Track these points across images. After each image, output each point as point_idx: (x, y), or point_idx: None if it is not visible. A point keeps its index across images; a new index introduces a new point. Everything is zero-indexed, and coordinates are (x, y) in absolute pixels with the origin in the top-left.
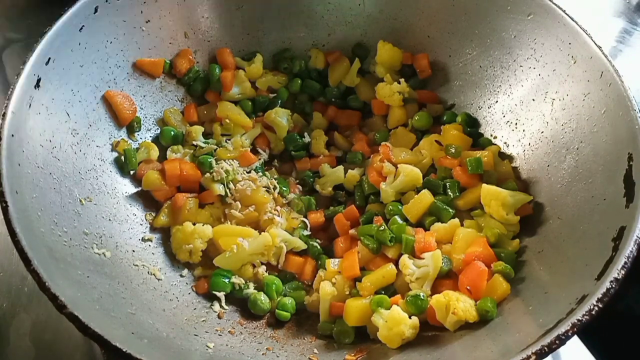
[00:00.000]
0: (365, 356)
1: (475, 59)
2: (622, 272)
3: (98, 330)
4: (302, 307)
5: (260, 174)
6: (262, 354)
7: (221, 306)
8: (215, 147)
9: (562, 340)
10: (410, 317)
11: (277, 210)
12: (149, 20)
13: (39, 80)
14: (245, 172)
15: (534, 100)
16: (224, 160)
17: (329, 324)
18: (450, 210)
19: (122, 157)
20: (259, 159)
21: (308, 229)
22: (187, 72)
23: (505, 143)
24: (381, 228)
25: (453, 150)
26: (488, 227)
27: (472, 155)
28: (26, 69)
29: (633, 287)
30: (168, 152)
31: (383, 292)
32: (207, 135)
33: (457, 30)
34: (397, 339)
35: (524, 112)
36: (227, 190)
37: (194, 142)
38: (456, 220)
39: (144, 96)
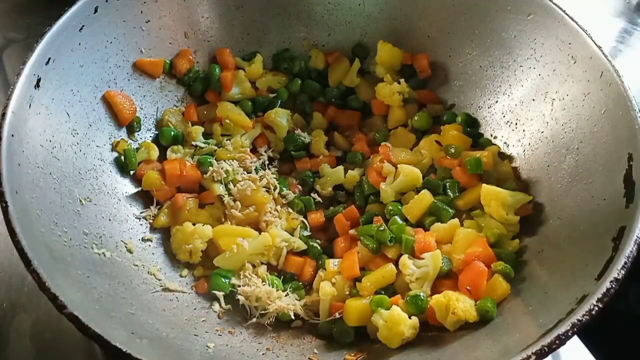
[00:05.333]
0: (365, 356)
1: (475, 59)
2: (622, 272)
3: (98, 330)
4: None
5: (261, 173)
6: (262, 354)
7: (221, 306)
8: (215, 147)
9: (562, 340)
10: (410, 317)
11: (277, 211)
12: (148, 20)
13: (39, 80)
14: (245, 172)
15: (534, 100)
16: (224, 161)
17: (329, 324)
18: (450, 211)
19: (122, 157)
20: (259, 159)
21: (308, 229)
22: (187, 72)
23: (505, 143)
24: (381, 228)
25: (453, 151)
26: (488, 227)
27: (471, 156)
28: (26, 69)
29: (633, 287)
30: (168, 152)
31: (383, 292)
32: (207, 135)
33: (457, 30)
34: (397, 339)
35: (524, 112)
36: (227, 191)
37: (194, 142)
38: (456, 221)
39: (144, 96)
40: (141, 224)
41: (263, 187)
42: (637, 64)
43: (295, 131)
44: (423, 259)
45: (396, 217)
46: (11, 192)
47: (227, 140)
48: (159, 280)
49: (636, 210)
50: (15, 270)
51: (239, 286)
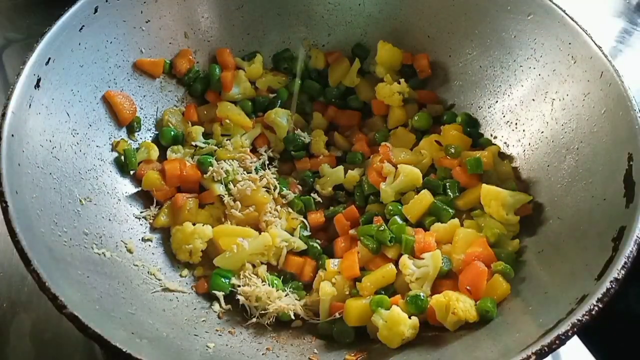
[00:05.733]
0: (365, 356)
1: (475, 59)
2: (622, 272)
3: (98, 330)
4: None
5: (261, 173)
6: (262, 354)
7: (221, 306)
8: (215, 147)
9: (562, 340)
10: (410, 317)
11: (277, 211)
12: (149, 20)
13: (39, 80)
14: (245, 172)
15: (534, 100)
16: (224, 161)
17: (329, 324)
18: (450, 211)
19: (122, 157)
20: (259, 159)
21: (308, 229)
22: (187, 72)
23: (505, 143)
24: (381, 228)
25: (453, 151)
26: (488, 227)
27: (471, 156)
28: (26, 69)
29: (633, 287)
30: (168, 152)
31: (383, 292)
32: (207, 135)
33: (457, 30)
34: (397, 339)
35: (524, 112)
36: (227, 191)
37: (194, 143)
38: (456, 221)
39: (144, 96)
40: (141, 224)
41: (263, 187)
42: (637, 64)
43: (295, 131)
44: (423, 259)
45: (396, 217)
46: (11, 192)
47: (227, 140)
48: (159, 280)
49: (636, 210)
50: (15, 270)
51: (239, 286)
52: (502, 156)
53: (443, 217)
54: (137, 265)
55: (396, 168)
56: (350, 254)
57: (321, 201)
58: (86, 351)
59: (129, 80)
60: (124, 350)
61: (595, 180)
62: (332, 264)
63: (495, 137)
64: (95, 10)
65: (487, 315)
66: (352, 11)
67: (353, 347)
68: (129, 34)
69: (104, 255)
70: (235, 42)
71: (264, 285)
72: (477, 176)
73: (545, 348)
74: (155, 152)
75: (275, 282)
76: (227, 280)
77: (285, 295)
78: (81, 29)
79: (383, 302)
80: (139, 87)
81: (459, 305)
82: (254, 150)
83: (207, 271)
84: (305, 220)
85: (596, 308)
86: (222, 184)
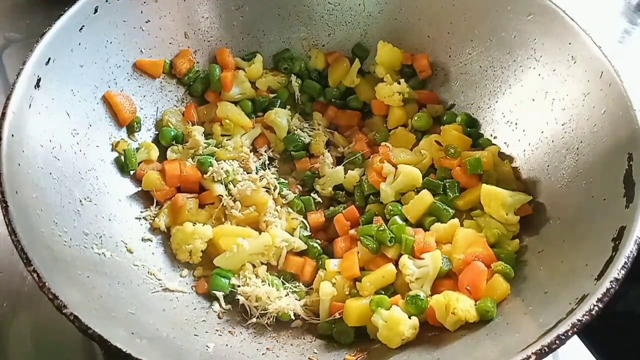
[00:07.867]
0: (365, 356)
1: (475, 59)
2: (622, 272)
3: (98, 330)
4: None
5: (262, 173)
6: (262, 354)
7: (221, 306)
8: (215, 147)
9: (562, 340)
10: (410, 317)
11: (277, 211)
12: (149, 20)
13: (39, 80)
14: (245, 172)
15: (534, 100)
16: (224, 161)
17: (329, 324)
18: (450, 211)
19: (122, 157)
20: (259, 159)
21: (308, 229)
22: (187, 72)
23: (505, 143)
24: (381, 228)
25: (453, 151)
26: (488, 227)
27: (471, 156)
28: (26, 69)
29: (633, 287)
30: (168, 153)
31: (383, 292)
32: (207, 135)
33: (457, 30)
34: (396, 339)
35: (524, 112)
36: (227, 191)
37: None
38: (456, 221)
39: (144, 96)
40: (141, 224)
41: (263, 187)
42: (637, 64)
43: (295, 131)
44: (423, 259)
45: (396, 217)
46: (11, 192)
47: (227, 140)
48: (159, 280)
49: (636, 210)
50: (15, 270)
51: (239, 286)
52: (502, 156)
53: (443, 217)
54: (137, 265)
55: (396, 168)
56: (350, 254)
57: (321, 201)
58: (86, 351)
59: (129, 80)
60: (124, 350)
61: (595, 180)
62: (332, 264)
63: (495, 137)
64: (96, 11)
65: (487, 315)
66: (352, 11)
67: (353, 347)
68: (129, 34)
69: (104, 255)
70: (235, 42)
71: (264, 285)
72: (477, 176)
73: (545, 348)
74: (155, 152)
75: (275, 282)
76: (227, 280)
77: (285, 295)
78: (81, 29)
79: (383, 302)
80: (139, 87)
81: (459, 305)
82: (254, 150)
83: (207, 271)
84: (305, 220)
85: (596, 308)
86: (222, 184)
